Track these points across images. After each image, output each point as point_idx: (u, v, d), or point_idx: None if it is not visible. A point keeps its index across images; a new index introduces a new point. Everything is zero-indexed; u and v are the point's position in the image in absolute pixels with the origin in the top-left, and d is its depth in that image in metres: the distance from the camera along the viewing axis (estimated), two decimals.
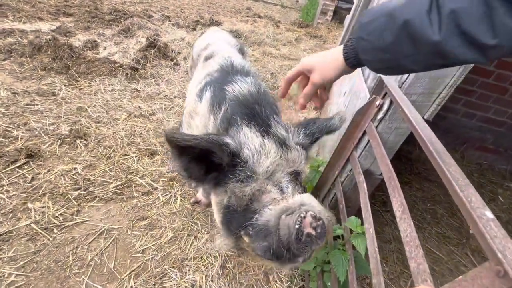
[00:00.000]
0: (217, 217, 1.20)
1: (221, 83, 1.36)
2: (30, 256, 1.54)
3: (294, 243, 0.80)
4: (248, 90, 1.24)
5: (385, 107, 1.17)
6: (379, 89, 1.22)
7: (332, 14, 7.09)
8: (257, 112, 1.13)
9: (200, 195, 2.03)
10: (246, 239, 0.98)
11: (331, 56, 0.79)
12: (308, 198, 0.95)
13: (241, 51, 2.13)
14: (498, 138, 3.13)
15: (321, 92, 0.91)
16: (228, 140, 0.96)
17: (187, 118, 1.48)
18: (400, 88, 1.10)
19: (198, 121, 1.34)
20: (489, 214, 0.51)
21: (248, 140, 1.01)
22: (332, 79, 0.81)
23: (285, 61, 4.49)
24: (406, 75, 1.07)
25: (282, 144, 1.06)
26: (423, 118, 1.15)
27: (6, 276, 1.44)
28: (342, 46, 0.76)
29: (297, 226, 0.79)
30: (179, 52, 4.14)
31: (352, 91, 2.08)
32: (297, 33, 6.05)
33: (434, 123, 3.24)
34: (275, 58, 4.56)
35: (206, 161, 0.99)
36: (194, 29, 5.23)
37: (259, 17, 6.97)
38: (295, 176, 1.07)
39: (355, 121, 1.35)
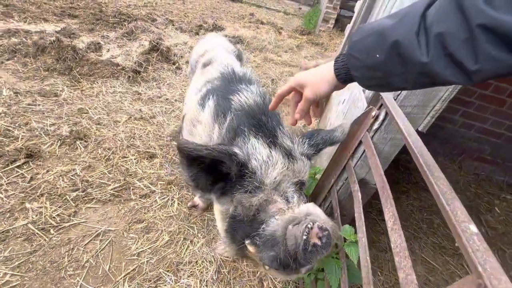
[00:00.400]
0: (220, 225, 1.21)
1: (225, 91, 1.37)
2: (26, 256, 1.55)
3: (302, 253, 0.83)
4: (254, 100, 1.26)
5: (381, 118, 1.19)
6: (375, 100, 1.24)
7: (334, 22, 7.17)
8: (263, 123, 1.16)
9: (197, 199, 2.04)
10: (251, 248, 0.99)
11: (322, 72, 0.80)
12: (313, 208, 0.98)
13: (239, 57, 2.16)
14: (496, 149, 3.15)
15: (313, 108, 0.92)
16: (236, 150, 0.98)
17: (189, 125, 1.48)
18: (395, 100, 1.12)
19: (201, 130, 1.34)
20: (473, 228, 0.52)
21: (256, 151, 1.03)
22: (324, 95, 0.82)
23: (286, 68, 4.54)
24: None
25: (288, 155, 1.10)
26: (417, 130, 1.17)
27: (1, 276, 1.44)
28: (333, 62, 0.78)
29: (304, 237, 0.82)
30: (181, 56, 4.18)
31: (350, 100, 2.11)
32: (299, 40, 6.12)
33: (432, 134, 3.26)
34: (276, 64, 4.60)
35: (214, 172, 1.00)
36: (197, 33, 5.29)
37: (262, 23, 7.05)
38: (300, 186, 1.10)
39: (351, 131, 1.36)
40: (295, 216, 0.92)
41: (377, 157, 1.08)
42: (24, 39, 3.52)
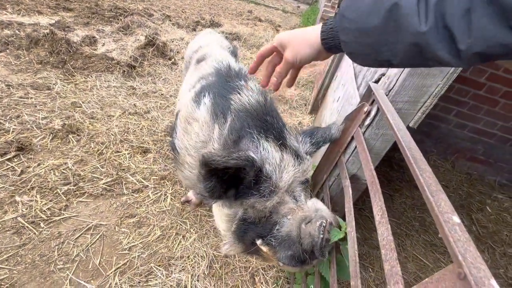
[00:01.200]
0: (223, 226, 1.21)
1: (222, 89, 1.34)
2: (14, 250, 1.53)
3: (318, 249, 0.91)
4: (256, 100, 1.20)
5: (373, 113, 1.19)
6: (367, 95, 1.24)
7: None
8: (270, 124, 1.13)
9: (190, 194, 2.03)
10: (265, 249, 1.03)
11: (307, 34, 0.74)
12: (317, 203, 1.04)
13: (234, 54, 2.14)
14: (488, 149, 3.19)
15: (292, 73, 0.88)
16: (253, 155, 0.97)
17: (183, 123, 1.44)
18: (387, 95, 1.12)
19: (198, 128, 1.31)
20: (455, 219, 0.52)
21: (270, 155, 1.03)
22: (305, 59, 0.77)
23: None
24: (394, 82, 1.10)
25: (297, 156, 1.11)
26: (408, 126, 1.18)
27: None
28: (320, 24, 0.72)
29: (321, 236, 0.90)
30: (177, 52, 4.15)
31: (345, 98, 2.11)
32: None
33: (426, 133, 3.27)
34: None
35: (228, 179, 0.98)
36: (194, 29, 5.26)
37: (260, 20, 7.03)
38: (305, 184, 1.13)
39: (343, 127, 1.37)
40: (306, 214, 0.98)
41: (367, 153, 1.08)
42: (17, 31, 3.47)
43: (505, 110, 2.89)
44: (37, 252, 1.55)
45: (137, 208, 1.94)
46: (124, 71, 3.31)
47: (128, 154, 2.31)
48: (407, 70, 1.04)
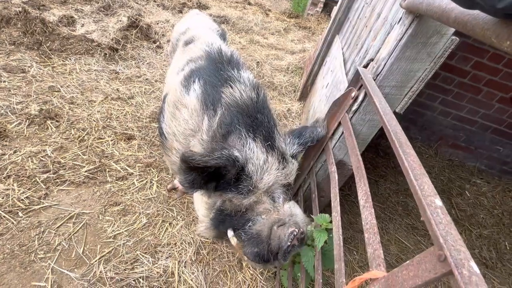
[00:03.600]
0: (202, 212, 1.23)
1: (213, 77, 1.29)
2: None
3: (283, 253, 0.94)
4: (248, 96, 1.18)
5: (360, 98, 1.18)
6: (355, 80, 1.23)
7: (322, 6, 7.03)
8: (260, 122, 1.12)
9: (177, 182, 2.00)
10: (234, 241, 1.06)
11: None
12: (294, 208, 1.06)
13: (223, 37, 2.06)
14: (470, 137, 3.29)
15: None
16: (237, 154, 0.98)
17: (171, 108, 1.40)
18: (374, 80, 1.11)
19: (187, 116, 1.28)
20: (438, 202, 0.52)
21: (254, 155, 1.03)
22: None
23: (272, 51, 4.44)
24: (382, 66, 1.08)
25: (282, 158, 1.11)
26: (394, 111, 1.17)
27: None
28: None
29: (289, 243, 0.92)
30: (162, 35, 3.98)
31: (333, 83, 2.09)
32: (286, 23, 5.98)
33: (412, 120, 3.31)
34: (262, 46, 4.49)
35: (210, 173, 1.00)
36: (180, 11, 5.03)
37: (249, 4, 6.80)
38: (287, 187, 1.13)
39: (331, 112, 1.35)
40: (280, 218, 1.00)
41: (354, 138, 1.08)
42: None
43: (487, 98, 2.96)
44: (15, 242, 1.50)
45: (121, 196, 1.90)
46: (106, 54, 3.15)
47: (111, 141, 2.23)
48: (395, 54, 1.02)
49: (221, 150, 0.96)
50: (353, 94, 1.22)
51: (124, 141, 2.28)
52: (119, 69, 3.06)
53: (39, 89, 2.46)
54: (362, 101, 1.18)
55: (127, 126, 2.41)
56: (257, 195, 1.04)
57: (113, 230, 1.69)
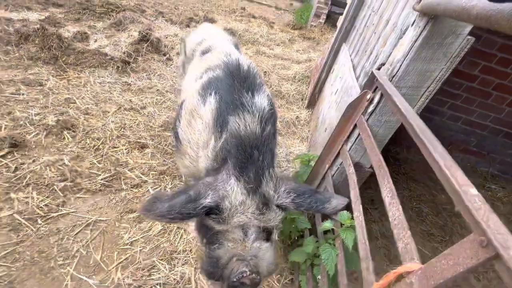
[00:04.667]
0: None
1: (227, 94, 1.27)
2: (12, 247, 1.49)
3: (229, 286, 0.99)
4: (252, 131, 1.13)
5: (376, 100, 1.20)
6: (370, 83, 1.25)
7: (325, 17, 7.20)
8: (253, 161, 1.08)
9: None
10: (200, 250, 1.13)
11: None
12: (264, 251, 1.07)
13: (236, 47, 2.13)
14: (481, 141, 3.26)
15: None
16: (207, 201, 1.01)
17: (188, 115, 1.42)
18: (390, 81, 1.13)
19: (202, 128, 1.31)
20: (473, 191, 0.53)
21: (232, 194, 1.05)
22: None
23: (278, 61, 4.52)
24: (397, 68, 1.11)
25: (264, 204, 1.08)
26: None
27: None
28: None
29: (235, 279, 0.96)
30: (172, 48, 4.10)
31: (343, 89, 2.12)
32: (291, 34, 6.11)
33: None
34: (268, 57, 4.58)
35: None
36: (188, 26, 5.20)
37: (254, 17, 7.00)
38: (265, 229, 1.11)
39: (346, 115, 1.37)
40: (242, 254, 1.03)
41: (372, 138, 1.09)
42: (5, 26, 3.36)
43: (497, 102, 2.95)
44: (35, 248, 1.51)
45: (136, 203, 1.91)
46: (118, 66, 3.25)
47: (125, 149, 2.27)
48: (410, 55, 1.05)
49: (194, 202, 1.00)
50: (368, 96, 1.24)
51: (138, 149, 2.31)
52: (131, 81, 3.15)
53: (56, 101, 2.54)
54: (378, 103, 1.20)
55: (140, 135, 2.45)
56: (227, 227, 1.06)
57: (129, 237, 1.70)
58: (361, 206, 1.01)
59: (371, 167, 1.30)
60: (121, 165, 2.13)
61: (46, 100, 2.51)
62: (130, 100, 2.84)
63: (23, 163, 1.92)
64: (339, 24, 3.07)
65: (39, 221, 1.63)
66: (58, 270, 1.45)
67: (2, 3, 4.01)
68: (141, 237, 1.71)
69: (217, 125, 1.23)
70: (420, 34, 1.00)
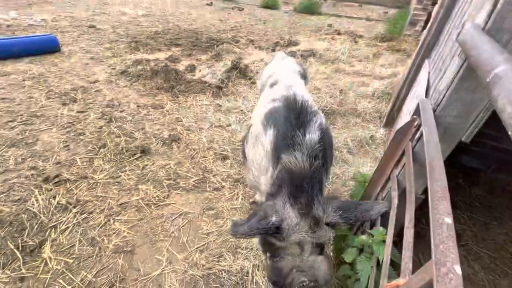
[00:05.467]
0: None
1: (284, 128, 1.46)
2: (136, 222, 2.18)
3: None
4: (301, 166, 1.32)
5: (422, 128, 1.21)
6: (418, 110, 1.27)
7: (422, 25, 6.48)
8: (304, 191, 1.28)
9: (257, 197, 2.35)
10: (265, 262, 1.33)
11: None
12: (319, 263, 1.24)
13: (304, 76, 2.34)
14: None
15: None
16: (273, 219, 1.24)
17: (253, 138, 1.68)
18: (435, 110, 1.14)
19: (263, 154, 1.55)
20: None
21: (289, 218, 1.27)
22: None
23: (358, 78, 4.45)
24: (442, 97, 1.12)
25: (315, 224, 1.28)
26: (460, 140, 1.15)
27: (121, 232, 2.09)
28: None
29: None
30: (256, 72, 4.70)
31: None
32: (377, 47, 5.83)
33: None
34: (347, 74, 4.57)
35: None
36: (273, 50, 5.78)
37: (339, 33, 7.03)
38: (319, 245, 1.30)
39: (396, 140, 1.40)
40: (301, 266, 1.22)
41: (411, 166, 1.13)
42: (145, 66, 4.72)
43: None
44: (148, 225, 2.16)
45: (215, 203, 2.39)
46: (213, 91, 4.03)
47: (212, 159, 2.85)
48: (453, 85, 1.05)
49: (265, 219, 1.22)
50: (415, 123, 1.26)
51: (221, 160, 2.85)
52: (222, 103, 3.84)
53: (170, 120, 3.42)
54: None
55: (224, 148, 3.00)
56: (286, 244, 1.25)
57: (207, 229, 2.16)
58: (413, 229, 1.06)
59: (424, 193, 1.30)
60: (208, 171, 2.70)
61: (164, 119, 3.42)
62: (219, 119, 3.49)
63: (147, 165, 2.73)
64: (422, 37, 2.86)
65: (152, 207, 2.31)
66: (160, 243, 2.04)
67: (144, 47, 5.61)
68: (215, 230, 2.15)
69: (274, 156, 1.45)
70: (461, 66, 1.01)
